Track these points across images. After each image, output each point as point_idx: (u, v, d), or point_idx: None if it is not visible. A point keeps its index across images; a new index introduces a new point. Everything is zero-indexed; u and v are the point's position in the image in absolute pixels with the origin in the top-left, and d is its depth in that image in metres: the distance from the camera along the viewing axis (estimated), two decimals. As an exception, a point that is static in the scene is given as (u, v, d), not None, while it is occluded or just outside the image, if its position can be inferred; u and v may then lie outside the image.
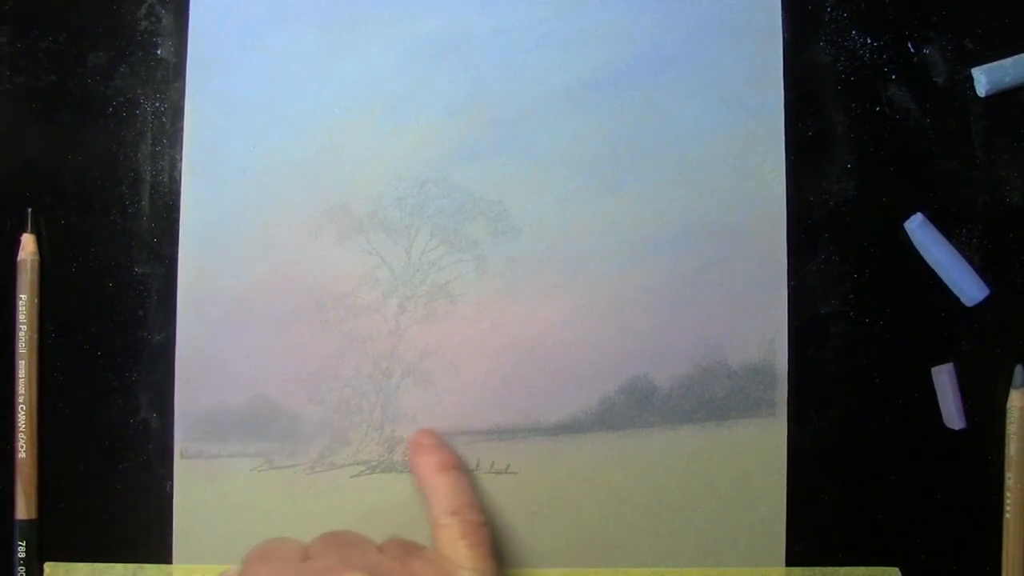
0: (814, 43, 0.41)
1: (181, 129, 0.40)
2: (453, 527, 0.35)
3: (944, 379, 0.40)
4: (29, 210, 0.40)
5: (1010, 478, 0.39)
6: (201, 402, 0.40)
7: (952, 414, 0.40)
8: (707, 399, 0.40)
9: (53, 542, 0.40)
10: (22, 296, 0.40)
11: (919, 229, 0.40)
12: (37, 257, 0.40)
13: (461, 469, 0.38)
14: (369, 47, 0.41)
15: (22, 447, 0.40)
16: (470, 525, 0.35)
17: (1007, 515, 0.40)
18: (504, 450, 0.40)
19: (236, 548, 0.40)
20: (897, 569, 0.40)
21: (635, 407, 0.40)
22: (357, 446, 0.40)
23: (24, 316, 0.40)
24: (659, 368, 0.40)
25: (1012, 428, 0.40)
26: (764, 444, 0.40)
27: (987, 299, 0.40)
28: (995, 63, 0.40)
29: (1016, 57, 0.40)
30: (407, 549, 0.35)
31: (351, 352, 0.40)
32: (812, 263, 0.41)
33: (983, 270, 0.40)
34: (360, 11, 0.41)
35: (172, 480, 0.40)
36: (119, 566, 0.40)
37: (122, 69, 0.41)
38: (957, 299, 0.40)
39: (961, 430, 0.40)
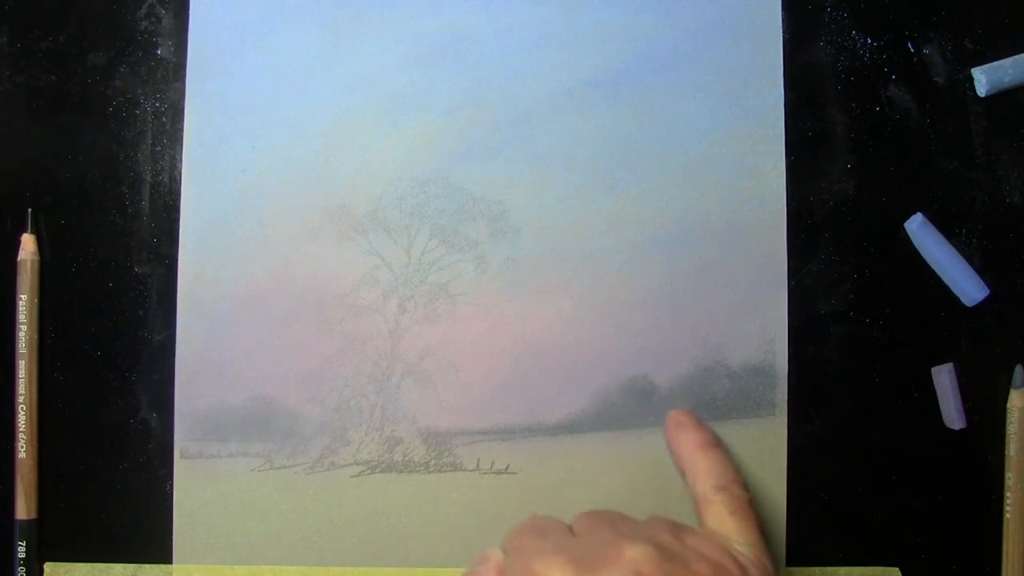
0: (814, 43, 0.41)
1: (181, 129, 0.40)
2: (722, 503, 0.35)
3: (944, 379, 0.40)
4: (29, 210, 0.40)
5: (1010, 478, 0.40)
6: (201, 402, 0.40)
7: (952, 414, 0.40)
8: (707, 399, 0.40)
9: (53, 542, 0.40)
10: (22, 296, 0.40)
11: (919, 229, 0.40)
12: (37, 257, 0.40)
13: (722, 446, 0.38)
14: (369, 47, 0.41)
15: (22, 447, 0.40)
16: (739, 500, 0.35)
17: (1007, 515, 0.40)
18: (504, 450, 0.40)
19: (236, 548, 0.40)
20: (897, 569, 0.40)
21: (635, 407, 0.40)
22: (357, 446, 0.40)
23: (24, 316, 0.40)
24: (659, 368, 0.40)
25: (1012, 428, 0.40)
26: (764, 444, 0.40)
27: (987, 299, 0.40)
28: (995, 63, 0.40)
29: (1016, 57, 0.40)
30: (676, 525, 0.34)
31: (351, 352, 0.40)
32: (812, 263, 0.41)
33: (983, 270, 0.40)
34: (360, 11, 0.41)
35: (172, 480, 0.40)
36: (119, 566, 0.40)
37: (122, 69, 0.41)
38: (957, 299, 0.40)
39: (961, 430, 0.40)
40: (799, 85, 0.41)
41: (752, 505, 0.35)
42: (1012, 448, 0.40)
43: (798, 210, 0.40)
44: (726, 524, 0.34)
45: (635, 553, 0.31)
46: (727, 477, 0.36)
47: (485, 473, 0.40)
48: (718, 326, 0.40)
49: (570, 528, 0.35)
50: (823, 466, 0.40)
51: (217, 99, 0.40)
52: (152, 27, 0.41)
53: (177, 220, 0.40)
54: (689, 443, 0.38)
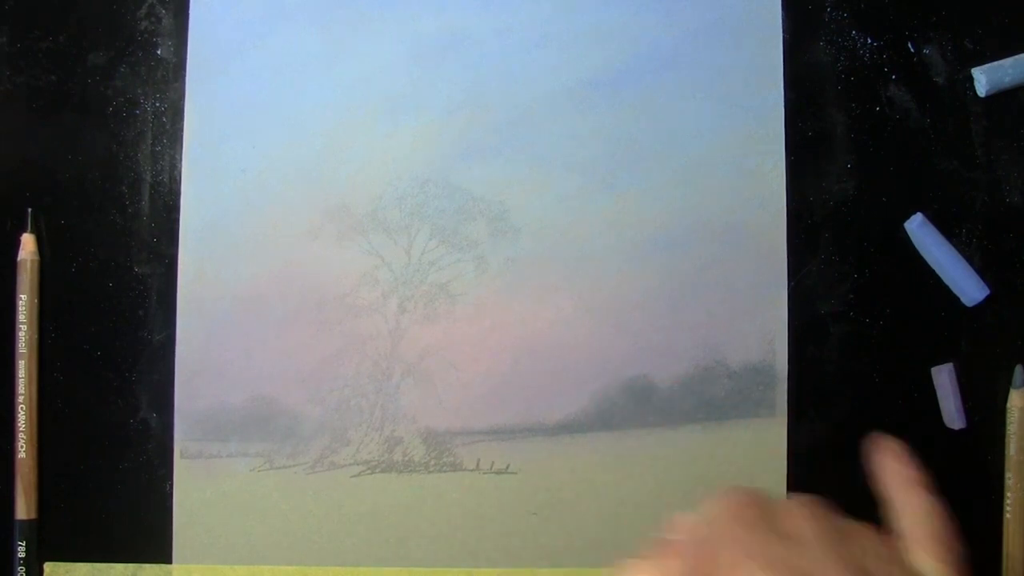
0: (814, 43, 0.41)
1: (181, 129, 0.40)
2: (933, 550, 0.33)
3: (944, 379, 0.40)
4: (29, 210, 0.40)
5: (1010, 478, 0.39)
6: (201, 402, 0.40)
7: (952, 414, 0.40)
8: (707, 399, 0.40)
9: (53, 542, 0.40)
10: (22, 296, 0.40)
11: (919, 229, 0.40)
12: (37, 257, 0.40)
13: (932, 489, 0.35)
14: (369, 47, 0.41)
15: (22, 447, 0.40)
16: (950, 552, 0.33)
17: (1007, 515, 0.40)
18: (504, 450, 0.40)
19: (236, 548, 0.40)
20: (897, 569, 0.40)
21: (635, 407, 0.40)
22: (357, 446, 0.40)
23: (24, 316, 0.40)
24: (659, 368, 0.40)
25: (1012, 428, 0.40)
26: (764, 444, 0.40)
27: (987, 299, 0.40)
28: (995, 63, 0.40)
29: (1016, 57, 0.40)
30: (889, 547, 0.32)
31: (351, 352, 0.40)
32: (812, 263, 0.41)
33: (983, 270, 0.40)
34: (360, 11, 0.41)
35: (172, 480, 0.40)
36: (119, 566, 0.40)
37: (122, 69, 0.41)
38: (957, 299, 0.40)
39: (961, 430, 0.40)
40: (799, 85, 0.41)
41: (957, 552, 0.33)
42: (1012, 448, 0.40)
43: (798, 210, 0.40)
44: (929, 567, 0.32)
45: None
46: (939, 523, 0.34)
47: (485, 473, 0.40)
48: (718, 326, 0.40)
49: (781, 516, 0.31)
50: (823, 466, 0.40)
51: (217, 99, 0.40)
52: (152, 27, 0.41)
53: (177, 220, 0.40)
54: (904, 478, 0.35)
